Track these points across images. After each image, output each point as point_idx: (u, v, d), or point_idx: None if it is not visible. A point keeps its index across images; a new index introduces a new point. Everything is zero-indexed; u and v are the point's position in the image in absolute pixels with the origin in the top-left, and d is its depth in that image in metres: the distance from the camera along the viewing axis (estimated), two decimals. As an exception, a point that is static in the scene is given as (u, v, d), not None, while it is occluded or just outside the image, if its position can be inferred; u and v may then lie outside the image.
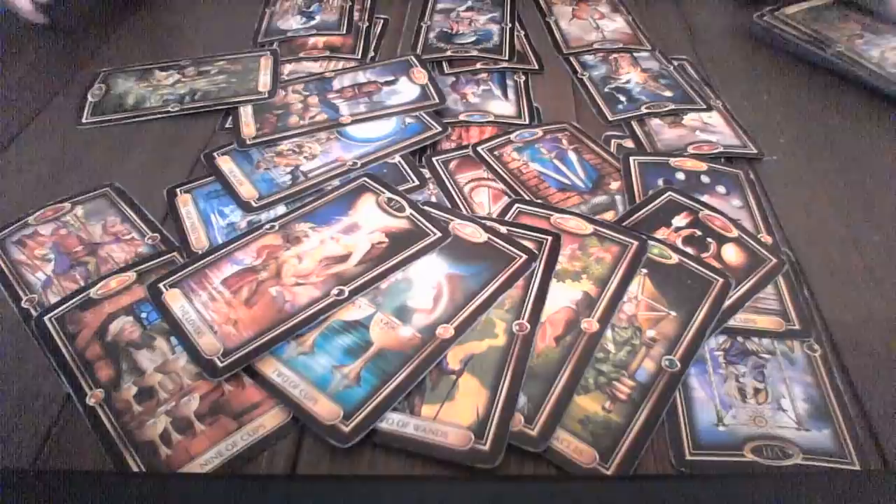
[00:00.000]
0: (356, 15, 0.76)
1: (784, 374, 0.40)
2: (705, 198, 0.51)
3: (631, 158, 0.55)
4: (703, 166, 0.55)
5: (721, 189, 0.53)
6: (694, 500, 0.33)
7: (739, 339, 0.42)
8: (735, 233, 0.48)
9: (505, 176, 0.53)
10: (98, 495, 0.33)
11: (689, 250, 0.47)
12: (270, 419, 0.37)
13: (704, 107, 0.62)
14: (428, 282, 0.44)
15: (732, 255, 0.47)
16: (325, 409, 0.37)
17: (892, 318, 0.43)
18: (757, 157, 0.56)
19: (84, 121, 0.62)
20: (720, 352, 0.41)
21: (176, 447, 0.36)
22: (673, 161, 0.55)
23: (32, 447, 0.37)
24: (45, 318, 0.43)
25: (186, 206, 0.52)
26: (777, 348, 0.41)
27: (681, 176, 0.54)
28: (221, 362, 0.39)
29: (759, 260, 0.46)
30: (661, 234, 0.48)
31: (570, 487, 0.34)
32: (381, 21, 0.76)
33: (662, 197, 0.51)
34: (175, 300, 0.43)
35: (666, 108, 0.61)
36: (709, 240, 0.48)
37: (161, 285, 0.44)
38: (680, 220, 0.49)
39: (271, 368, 0.39)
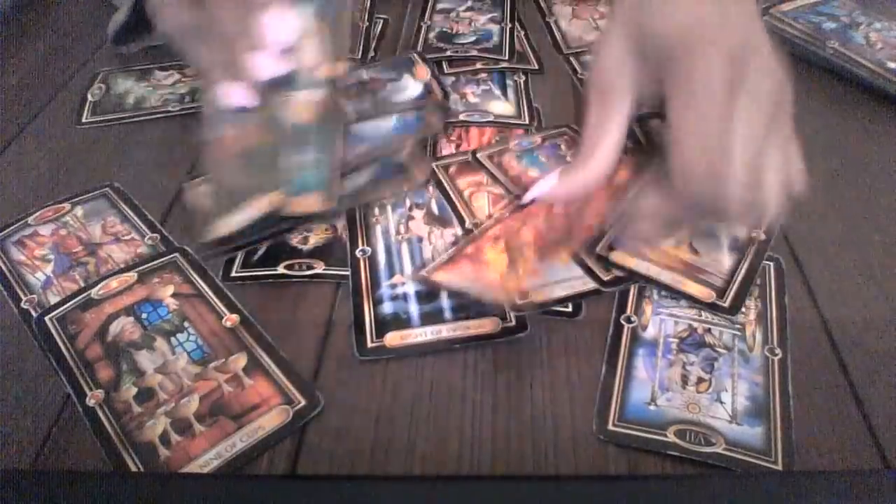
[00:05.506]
0: (356, 15, 0.76)
1: (734, 370, 0.40)
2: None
3: (631, 158, 0.55)
4: (704, 166, 0.55)
5: (721, 189, 0.53)
6: (695, 499, 0.33)
7: (699, 330, 0.42)
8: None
9: (505, 184, 0.53)
10: (98, 495, 0.33)
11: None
12: (270, 420, 0.37)
13: (704, 107, 0.62)
14: None
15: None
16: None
17: (892, 318, 0.43)
18: (757, 157, 0.56)
19: (84, 121, 0.62)
20: (675, 339, 0.41)
21: (175, 448, 0.36)
22: (673, 161, 0.55)
23: (32, 447, 0.37)
24: (46, 319, 0.43)
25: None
26: (735, 346, 0.41)
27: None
28: None
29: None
30: (661, 234, 0.48)
31: (571, 487, 0.34)
32: (381, 21, 0.76)
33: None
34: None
35: (666, 108, 0.61)
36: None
37: None
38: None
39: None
